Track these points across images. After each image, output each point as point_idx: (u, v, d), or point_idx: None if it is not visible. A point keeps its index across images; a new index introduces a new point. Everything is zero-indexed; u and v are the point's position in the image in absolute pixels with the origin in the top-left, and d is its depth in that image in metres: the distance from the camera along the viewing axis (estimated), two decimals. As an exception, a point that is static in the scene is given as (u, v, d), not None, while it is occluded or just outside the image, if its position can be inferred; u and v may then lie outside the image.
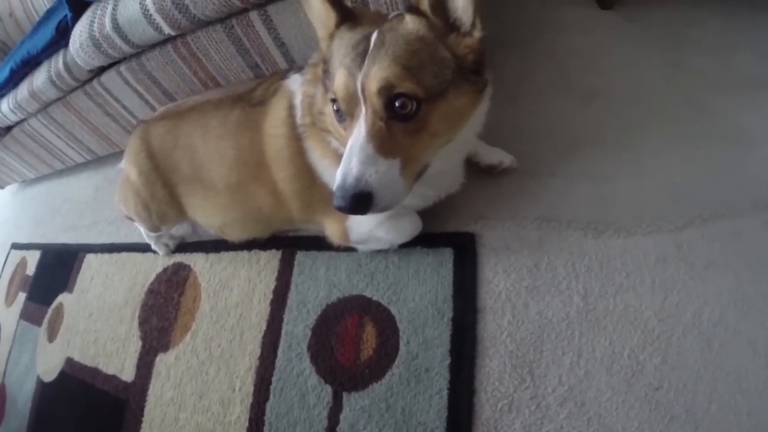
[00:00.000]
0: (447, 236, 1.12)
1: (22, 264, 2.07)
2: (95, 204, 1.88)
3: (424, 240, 1.11)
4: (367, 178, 0.69)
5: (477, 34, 0.74)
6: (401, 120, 0.72)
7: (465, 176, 1.06)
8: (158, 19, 1.12)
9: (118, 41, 1.23)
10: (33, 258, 2.01)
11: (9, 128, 1.93)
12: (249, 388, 1.15)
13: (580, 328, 0.95)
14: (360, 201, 0.70)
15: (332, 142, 0.90)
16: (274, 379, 1.13)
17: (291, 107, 0.99)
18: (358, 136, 0.72)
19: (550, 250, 1.06)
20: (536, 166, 1.18)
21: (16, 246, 2.19)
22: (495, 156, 1.16)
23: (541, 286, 1.02)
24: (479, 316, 1.02)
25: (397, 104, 0.70)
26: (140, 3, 1.14)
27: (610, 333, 0.93)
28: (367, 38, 0.74)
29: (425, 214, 1.10)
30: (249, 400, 1.14)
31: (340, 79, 0.73)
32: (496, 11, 1.54)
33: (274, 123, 1.01)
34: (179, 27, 1.13)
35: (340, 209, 0.71)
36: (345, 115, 0.76)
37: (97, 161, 1.95)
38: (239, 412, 1.13)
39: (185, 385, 1.25)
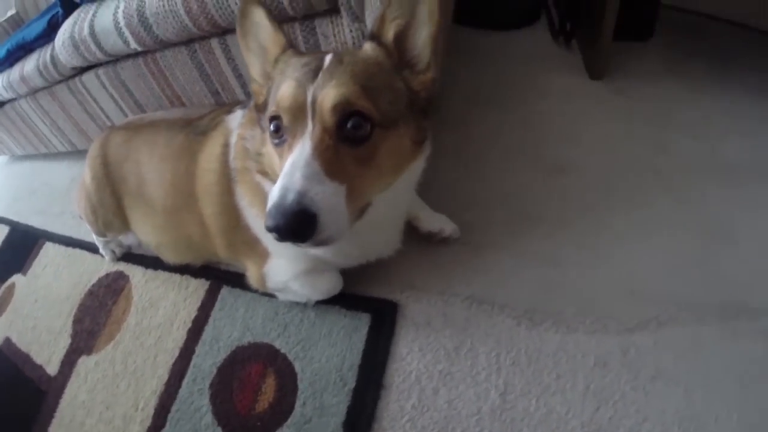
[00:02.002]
0: (368, 301, 1.07)
1: (-8, 236, 2.09)
2: (67, 195, 1.89)
3: (345, 300, 1.07)
4: (312, 196, 0.60)
5: (430, 73, 0.73)
6: (351, 143, 0.66)
7: (401, 241, 1.00)
8: (127, 33, 1.14)
9: (93, 47, 1.25)
10: (2, 233, 2.04)
11: (2, 104, 1.98)
12: (150, 410, 1.11)
13: (491, 428, 0.87)
14: (302, 221, 0.59)
15: (265, 187, 0.86)
16: (173, 408, 1.09)
17: (226, 145, 0.96)
18: (302, 152, 0.63)
19: (476, 335, 0.98)
20: (481, 238, 1.12)
21: (-9, 217, 2.23)
22: (437, 223, 1.11)
23: (456, 373, 0.95)
24: (383, 393, 0.95)
25: (349, 125, 0.65)
26: (113, 15, 1.15)
27: (524, 439, 0.84)
28: (320, 59, 0.71)
29: (351, 273, 1.05)
30: (147, 423, 1.10)
31: (287, 89, 0.67)
32: (480, 68, 1.51)
33: (208, 157, 0.99)
34: (144, 44, 1.14)
35: (276, 231, 0.59)
36: (286, 133, 0.68)
37: (77, 154, 1.98)
38: (137, 431, 1.10)
39: (98, 392, 1.23)
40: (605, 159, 1.21)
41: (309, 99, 0.65)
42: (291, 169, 0.62)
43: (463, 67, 1.57)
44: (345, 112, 0.65)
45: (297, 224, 0.59)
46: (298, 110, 0.66)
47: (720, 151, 1.16)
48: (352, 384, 0.97)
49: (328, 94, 0.64)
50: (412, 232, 1.10)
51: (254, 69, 0.83)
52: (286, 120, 0.68)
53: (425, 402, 0.93)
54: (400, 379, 0.96)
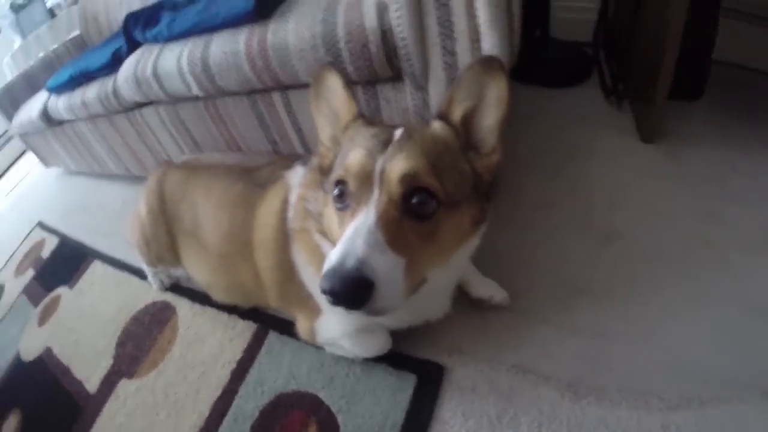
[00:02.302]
0: (415, 362, 1.07)
1: (40, 244, 2.18)
2: (119, 217, 1.94)
3: (392, 359, 1.07)
4: (372, 265, 0.59)
5: (496, 157, 0.73)
6: (415, 218, 0.66)
7: (451, 306, 1.01)
8: (189, 79, 1.18)
9: (156, 87, 1.30)
10: (51, 243, 2.12)
11: (61, 122, 2.07)
12: (188, 445, 1.14)
13: None
14: (359, 289, 0.58)
15: (323, 248, 0.87)
16: (212, 446, 1.11)
17: (285, 201, 0.98)
18: (365, 220, 0.63)
19: (519, 404, 0.97)
20: (529, 307, 1.11)
21: (42, 226, 2.32)
22: (487, 289, 1.10)
23: (498, 442, 0.95)
24: (424, 456, 0.96)
25: (414, 200, 0.65)
26: (177, 60, 1.20)
27: None
28: (390, 132, 0.72)
29: (399, 333, 1.05)
30: (185, 456, 1.12)
31: (356, 156, 0.68)
32: (527, 130, 1.49)
33: (266, 212, 1.02)
34: (206, 90, 1.18)
35: (331, 294, 0.59)
36: (350, 199, 0.69)
37: (131, 178, 2.04)
38: (173, 463, 1.12)
39: (136, 417, 1.25)
40: (654, 227, 1.18)
41: (377, 169, 0.66)
42: (353, 235, 0.62)
43: (511, 125, 1.55)
44: (412, 186, 0.65)
45: (353, 291, 0.58)
46: (366, 178, 0.67)
47: (772, 225, 1.12)
48: (394, 444, 0.98)
49: (398, 165, 0.65)
50: (462, 296, 1.10)
51: (323, 132, 0.85)
52: (352, 186, 0.68)
53: (466, 468, 0.92)
54: (442, 444, 0.96)
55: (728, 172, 1.25)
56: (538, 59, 1.64)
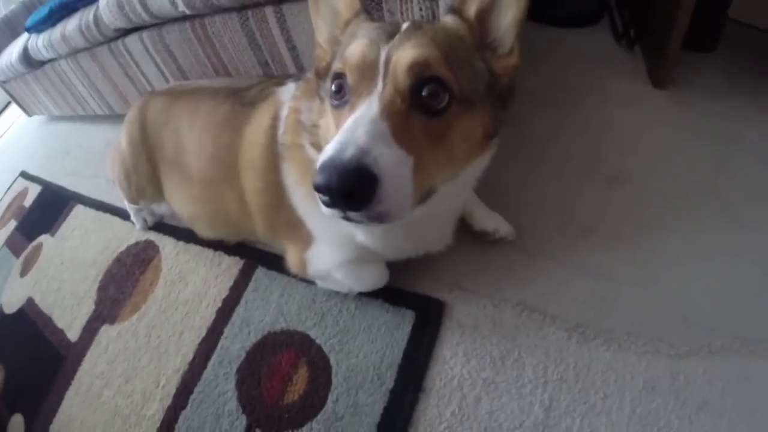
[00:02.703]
0: (413, 297, 1.01)
1: (23, 194, 2.10)
2: (101, 158, 1.86)
3: (388, 294, 1.00)
4: (376, 156, 0.50)
5: (514, 59, 0.66)
6: (424, 113, 0.58)
7: (453, 237, 0.94)
8: (176, -7, 1.07)
9: (139, 8, 1.20)
10: (34, 191, 2.04)
11: (42, 63, 1.96)
12: (171, 389, 1.08)
13: None
14: (360, 182, 0.49)
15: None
16: (196, 390, 1.05)
17: (276, 118, 0.90)
18: (367, 111, 0.55)
19: (524, 345, 0.92)
20: (535, 243, 1.05)
21: (24, 175, 2.23)
22: (491, 221, 1.04)
23: (501, 383, 0.89)
24: (422, 396, 0.90)
25: (425, 91, 0.57)
26: (163, -27, 1.09)
27: (564, 457, 0.79)
28: (396, 25, 0.64)
29: (397, 266, 0.99)
30: (168, 401, 1.07)
31: (357, 46, 0.61)
32: (540, 67, 1.42)
33: (255, 130, 0.93)
34: (193, 7, 1.09)
35: (327, 189, 0.50)
36: (349, 93, 0.60)
37: (114, 117, 1.96)
38: (156, 409, 1.07)
39: (118, 363, 1.21)
40: (664, 173, 1.14)
41: (382, 57, 0.58)
42: (353, 125, 0.53)
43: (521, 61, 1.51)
44: (423, 76, 0.57)
45: (354, 183, 0.49)
46: (368, 68, 0.59)
47: (784, 178, 1.09)
48: (390, 384, 0.92)
49: (406, 53, 0.57)
50: (464, 229, 1.03)
51: (320, 34, 0.77)
52: (351, 79, 0.60)
53: (466, 410, 0.87)
54: (441, 384, 0.91)
55: (739, 125, 1.22)
56: (550, -2, 1.56)
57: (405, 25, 0.64)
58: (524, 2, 0.62)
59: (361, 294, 1.02)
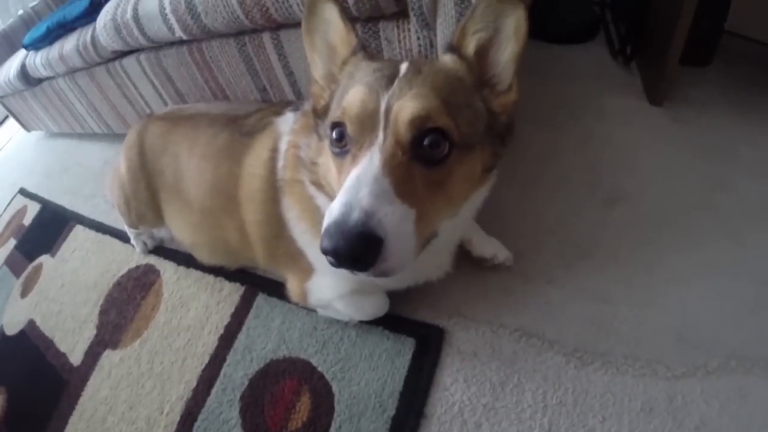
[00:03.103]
0: (414, 325, 1.01)
1: (22, 212, 2.10)
2: (100, 176, 1.88)
3: (389, 321, 1.01)
4: (380, 218, 0.51)
5: (513, 96, 0.67)
6: (425, 164, 0.58)
7: (452, 265, 0.94)
8: (172, 20, 1.08)
9: (136, 32, 1.20)
10: (33, 209, 2.04)
11: (40, 80, 1.96)
12: (175, 417, 1.08)
13: None
14: (366, 246, 0.51)
15: (318, 200, 0.80)
16: (200, 417, 1.06)
17: (275, 150, 0.90)
18: (369, 166, 0.55)
19: (523, 370, 0.93)
20: (533, 268, 1.06)
21: (23, 192, 2.23)
22: (490, 248, 1.04)
23: (501, 409, 0.90)
24: (423, 423, 0.90)
25: (426, 142, 0.58)
26: (159, 0, 1.09)
27: (565, 481, 0.79)
28: (395, 66, 0.64)
29: (397, 295, 1.00)
30: (172, 428, 1.07)
31: (357, 95, 0.60)
32: (535, 85, 1.43)
33: (254, 162, 0.94)
34: (191, 33, 1.09)
35: (334, 254, 0.52)
36: (350, 143, 0.61)
37: (112, 136, 1.96)
38: (160, 436, 1.07)
39: (121, 389, 1.21)
40: (661, 191, 1.15)
41: (382, 107, 0.59)
42: (356, 184, 0.54)
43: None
44: (423, 129, 0.57)
45: (360, 249, 0.51)
46: (368, 119, 0.59)
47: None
48: (392, 411, 0.92)
49: (407, 105, 0.57)
50: (462, 255, 1.04)
51: (317, 70, 0.76)
52: (351, 129, 0.60)
53: (467, 436, 0.88)
54: (442, 410, 0.91)
55: (736, 141, 1.23)
56: (546, 14, 1.57)
57: (404, 67, 0.63)
58: (523, 37, 0.62)
59: (361, 322, 1.02)
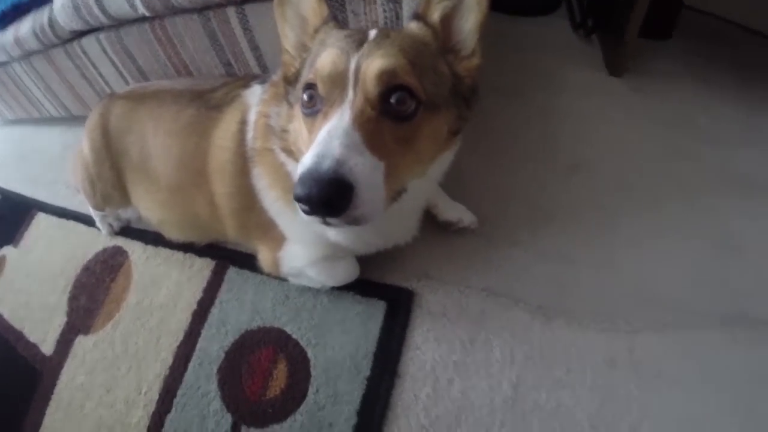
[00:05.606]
0: (384, 288, 1.05)
1: (-20, 205, 2.01)
2: (60, 162, 1.81)
3: (360, 287, 1.04)
4: (351, 166, 0.54)
5: (476, 60, 0.71)
6: (393, 119, 0.62)
7: (419, 229, 0.98)
8: (134, -5, 1.05)
9: (96, 9, 1.16)
10: (-9, 202, 1.96)
11: (-8, 67, 1.87)
12: (154, 395, 1.09)
13: (503, 418, 0.88)
14: (338, 192, 0.54)
15: (288, 167, 0.82)
16: (179, 393, 1.07)
17: (243, 122, 0.91)
18: (339, 121, 0.59)
19: (491, 328, 0.99)
20: (497, 231, 1.11)
21: (-21, 185, 2.13)
22: (455, 212, 1.08)
23: (471, 364, 0.95)
24: (397, 382, 0.95)
25: (393, 99, 0.61)
26: (120, -25, 1.07)
27: (533, 430, 0.86)
28: (364, 33, 0.67)
29: (366, 260, 1.03)
30: (152, 407, 1.08)
31: (328, 56, 0.64)
32: (498, 56, 1.47)
33: (222, 134, 0.94)
34: (154, 9, 1.07)
35: (307, 200, 0.54)
36: (321, 103, 0.64)
37: (71, 120, 1.88)
38: (140, 416, 1.08)
39: (97, 374, 1.20)
40: (620, 159, 1.21)
41: (352, 67, 0.62)
42: (328, 137, 0.57)
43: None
44: (390, 84, 0.61)
45: (332, 194, 0.54)
46: (338, 78, 0.62)
47: (734, 161, 1.17)
48: (366, 372, 0.96)
49: (374, 62, 0.61)
50: (429, 220, 1.07)
51: (287, 40, 0.78)
52: (322, 89, 0.64)
53: (439, 391, 0.93)
54: (414, 368, 0.96)
55: (694, 111, 1.29)
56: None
57: (373, 33, 0.67)
58: (485, 6, 0.66)
59: (333, 288, 1.05)
